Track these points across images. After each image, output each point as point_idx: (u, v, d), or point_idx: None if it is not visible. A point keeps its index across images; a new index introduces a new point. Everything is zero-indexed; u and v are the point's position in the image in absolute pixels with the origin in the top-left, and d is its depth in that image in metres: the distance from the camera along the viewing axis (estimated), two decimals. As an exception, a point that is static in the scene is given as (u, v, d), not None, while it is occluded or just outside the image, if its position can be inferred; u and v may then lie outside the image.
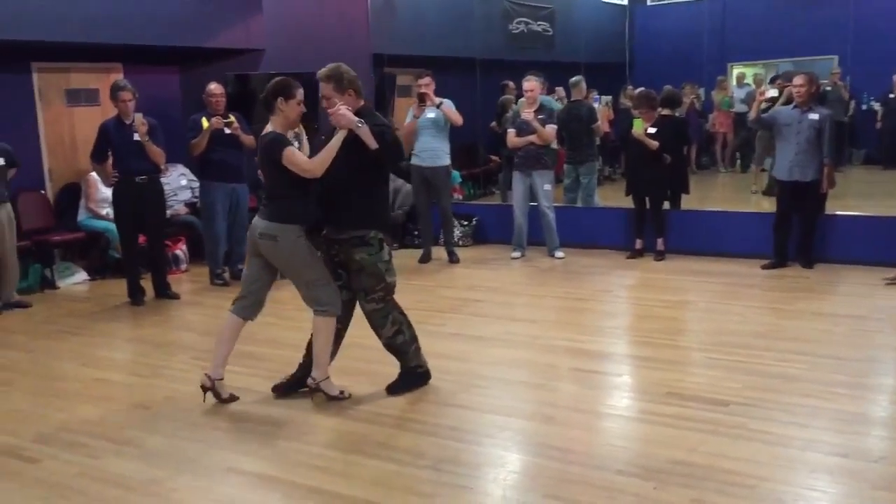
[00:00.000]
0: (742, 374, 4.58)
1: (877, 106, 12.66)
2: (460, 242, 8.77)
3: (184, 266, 8.24)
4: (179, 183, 8.68)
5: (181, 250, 8.26)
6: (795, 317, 5.82)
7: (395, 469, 3.55)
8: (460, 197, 10.31)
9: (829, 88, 10.70)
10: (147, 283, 7.07)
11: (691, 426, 3.87)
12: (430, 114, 7.88)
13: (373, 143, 4.11)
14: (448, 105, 7.89)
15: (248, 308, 4.46)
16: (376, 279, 4.31)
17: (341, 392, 4.42)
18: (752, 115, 7.56)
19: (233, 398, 4.46)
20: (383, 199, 4.52)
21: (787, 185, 7.22)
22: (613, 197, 9.75)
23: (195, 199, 8.40)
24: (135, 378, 5.08)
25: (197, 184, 7.99)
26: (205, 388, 4.42)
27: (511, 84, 10.87)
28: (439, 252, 8.31)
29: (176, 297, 7.04)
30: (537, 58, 12.94)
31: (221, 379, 4.46)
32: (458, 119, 7.95)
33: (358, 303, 4.46)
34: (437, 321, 5.99)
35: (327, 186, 4.24)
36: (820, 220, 7.35)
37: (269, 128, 4.30)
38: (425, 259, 8.27)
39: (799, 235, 7.31)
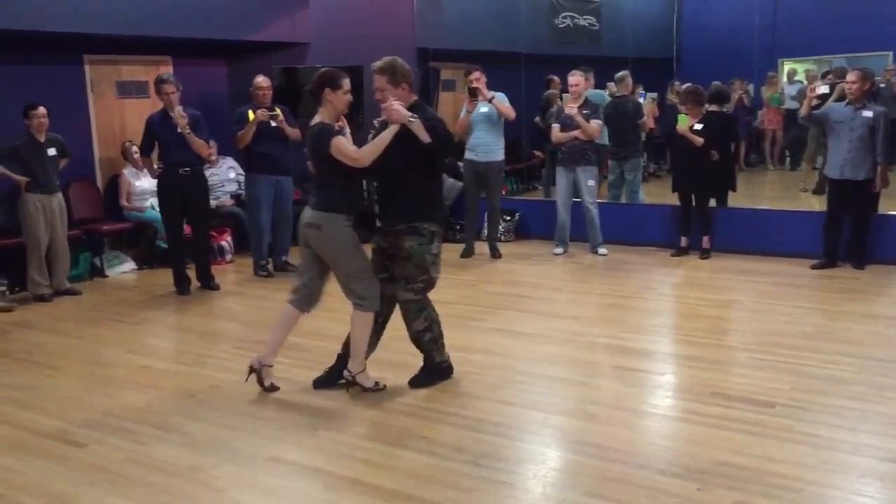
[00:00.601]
0: (789, 375, 4.50)
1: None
2: (502, 238, 8.75)
3: (229, 257, 8.34)
4: (228, 175, 8.79)
5: (226, 241, 8.36)
6: (845, 318, 5.69)
7: (435, 463, 3.55)
8: (503, 192, 10.28)
9: (882, 85, 10.42)
10: (192, 274, 7.17)
11: (736, 427, 3.81)
12: (483, 108, 7.86)
13: (425, 137, 4.12)
14: (501, 99, 7.86)
15: (303, 300, 4.50)
16: (420, 270, 4.33)
17: (377, 383, 4.45)
18: (803, 111, 7.40)
19: (273, 388, 4.51)
20: (437, 192, 4.55)
21: (839, 184, 7.07)
22: (658, 193, 9.64)
23: (241, 192, 8.50)
24: (180, 366, 5.16)
25: (244, 176, 8.08)
26: (252, 370, 4.48)
27: (556, 79, 10.80)
28: (481, 247, 8.30)
29: (216, 287, 7.13)
30: (583, 52, 12.81)
31: (270, 366, 4.52)
32: (510, 113, 7.92)
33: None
34: (480, 316, 5.98)
35: (383, 180, 4.31)
36: (872, 220, 7.18)
37: (316, 118, 4.33)
38: (468, 254, 8.26)
39: (850, 235, 7.15)
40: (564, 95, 7.97)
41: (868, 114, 6.90)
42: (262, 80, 7.45)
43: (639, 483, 3.31)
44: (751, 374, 4.56)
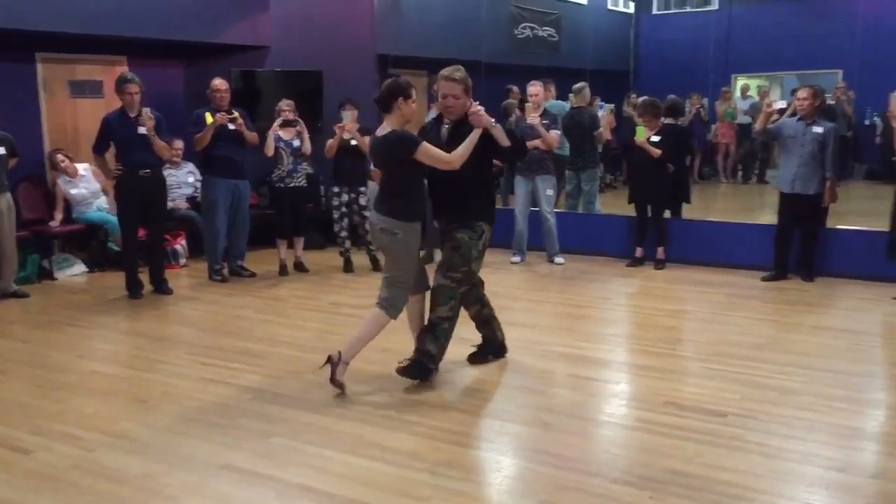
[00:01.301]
0: (740, 385, 4.57)
1: (879, 121, 12.67)
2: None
3: (183, 261, 8.22)
4: (186, 179, 8.67)
5: (180, 245, 8.24)
6: (794, 330, 5.81)
7: (390, 471, 3.53)
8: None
9: (832, 102, 10.69)
10: (145, 277, 7.06)
11: (689, 436, 3.86)
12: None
13: (505, 142, 4.41)
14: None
15: (413, 284, 4.61)
16: (463, 260, 4.54)
17: (342, 387, 4.44)
18: (758, 125, 7.55)
19: (340, 386, 4.46)
20: (493, 194, 4.87)
21: (789, 198, 7.22)
22: (615, 204, 9.74)
23: (197, 194, 8.40)
24: (131, 371, 5.06)
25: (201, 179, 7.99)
26: (330, 360, 4.46)
27: (515, 89, 10.86)
28: (438, 255, 8.28)
29: (169, 292, 7.01)
30: (542, 63, 12.95)
31: (347, 363, 4.49)
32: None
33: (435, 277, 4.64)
34: (436, 323, 5.97)
35: (449, 181, 4.44)
36: (821, 234, 7.35)
37: (386, 127, 4.43)
38: (427, 261, 8.23)
39: (800, 248, 7.31)
40: (527, 105, 7.99)
41: (818, 130, 7.06)
42: (219, 82, 7.38)
43: (593, 491, 3.33)
44: (703, 384, 4.62)
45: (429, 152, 4.33)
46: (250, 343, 5.52)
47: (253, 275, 7.69)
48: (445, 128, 4.57)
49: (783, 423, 4.02)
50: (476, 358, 5.02)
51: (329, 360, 4.44)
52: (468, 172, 4.40)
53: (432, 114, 7.99)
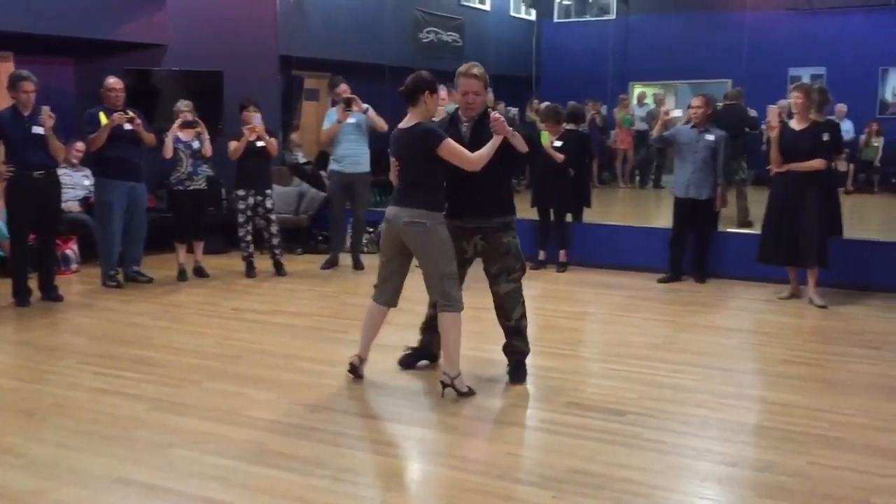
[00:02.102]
0: (638, 384, 4.70)
1: (764, 128, 13.30)
2: (366, 249, 8.71)
3: (74, 266, 7.89)
4: (82, 181, 8.32)
5: (72, 250, 7.91)
6: (688, 329, 6.02)
7: (293, 479, 3.47)
8: (367, 204, 10.25)
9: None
10: (33, 284, 6.73)
11: (590, 436, 3.94)
12: (352, 119, 7.83)
13: (524, 148, 4.44)
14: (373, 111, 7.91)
15: (385, 294, 4.65)
16: (517, 259, 4.62)
17: (469, 388, 4.47)
18: (655, 132, 7.81)
19: (358, 374, 4.66)
20: (512, 188, 4.96)
21: (684, 203, 7.48)
22: (518, 208, 9.83)
23: (89, 195, 8.06)
24: (18, 383, 4.81)
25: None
26: (443, 385, 4.44)
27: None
28: (345, 258, 8.24)
29: (59, 299, 6.71)
30: (447, 67, 12.99)
31: (365, 359, 4.67)
32: (383, 125, 7.95)
33: (491, 287, 4.69)
34: (341, 329, 5.92)
35: (477, 178, 4.39)
36: (713, 237, 7.65)
37: (411, 119, 4.40)
38: (331, 265, 8.18)
39: (693, 251, 7.59)
40: (442, 109, 8.00)
41: (710, 137, 7.35)
42: (113, 81, 7.13)
43: (497, 493, 3.36)
44: (603, 384, 4.73)
45: (453, 149, 4.30)
46: (147, 351, 5.34)
47: (150, 280, 7.45)
48: (466, 125, 4.55)
49: (678, 420, 4.16)
50: (407, 361, 5.00)
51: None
52: (494, 169, 4.40)
53: (333, 114, 7.93)
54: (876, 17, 14.55)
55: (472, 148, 4.38)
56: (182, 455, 3.72)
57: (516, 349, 4.79)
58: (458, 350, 4.49)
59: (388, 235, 4.57)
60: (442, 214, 4.44)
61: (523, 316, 4.74)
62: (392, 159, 4.56)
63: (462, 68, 4.54)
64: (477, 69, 4.51)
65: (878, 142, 14.06)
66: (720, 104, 10.21)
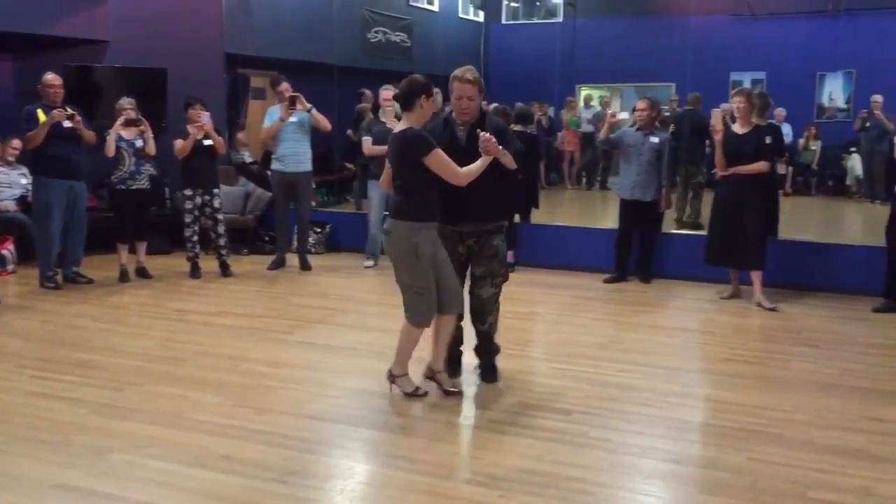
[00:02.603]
0: (585, 383, 4.75)
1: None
2: (312, 250, 8.65)
3: (10, 267, 7.67)
4: (19, 180, 8.07)
5: (8, 250, 7.68)
6: (634, 329, 6.11)
7: (238, 482, 3.43)
8: (314, 203, 10.18)
9: (667, 114, 11.35)
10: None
11: (537, 435, 3.97)
12: (294, 118, 7.76)
13: (512, 166, 4.43)
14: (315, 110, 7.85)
15: (448, 304, 4.43)
16: (501, 264, 4.66)
17: (417, 389, 4.43)
18: (601, 135, 7.90)
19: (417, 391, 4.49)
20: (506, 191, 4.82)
21: (629, 204, 7.58)
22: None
23: (26, 194, 7.84)
24: (-50, 388, 4.66)
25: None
26: (391, 379, 4.45)
27: (368, 92, 10.86)
28: (292, 259, 8.16)
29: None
30: (395, 67, 13.00)
31: (406, 374, 4.51)
32: (326, 124, 7.91)
33: (472, 290, 4.66)
34: (287, 330, 5.87)
35: (474, 184, 4.31)
36: (657, 238, 7.78)
37: (404, 124, 4.31)
38: (278, 265, 8.10)
39: (638, 252, 7.70)
40: (387, 109, 7.97)
41: (655, 139, 7.47)
42: (52, 77, 6.96)
43: (444, 493, 3.36)
44: (550, 384, 4.77)
45: (440, 160, 4.20)
46: (87, 354, 5.21)
47: (90, 281, 7.28)
48: (462, 129, 4.47)
49: (623, 418, 4.22)
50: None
51: (389, 380, 4.47)
52: (491, 174, 4.35)
53: (275, 112, 7.85)
54: (815, 23, 14.94)
55: (469, 152, 4.31)
56: (124, 460, 3.65)
57: (489, 349, 4.83)
58: (408, 355, 4.49)
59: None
60: (432, 224, 4.32)
61: (497, 320, 4.78)
62: (387, 164, 4.52)
63: (457, 72, 4.46)
64: (471, 74, 4.45)
65: (815, 145, 14.45)
66: (665, 107, 10.43)
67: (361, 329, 5.98)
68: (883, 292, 6.60)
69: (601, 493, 3.39)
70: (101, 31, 8.51)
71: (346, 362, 5.15)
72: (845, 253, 7.49)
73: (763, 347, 5.64)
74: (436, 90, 4.56)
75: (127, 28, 8.69)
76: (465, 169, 4.29)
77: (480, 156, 4.31)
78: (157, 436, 3.92)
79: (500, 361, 5.00)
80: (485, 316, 4.72)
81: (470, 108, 4.45)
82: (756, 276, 6.67)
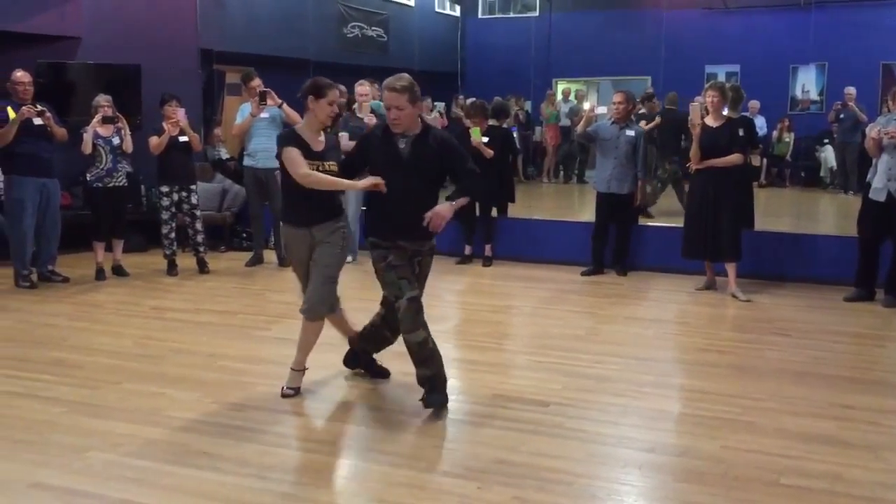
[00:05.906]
0: (562, 375, 4.80)
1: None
2: (290, 246, 8.62)
3: (-16, 267, 7.59)
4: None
5: (-20, 250, 7.61)
6: (610, 321, 6.16)
7: (216, 478, 3.43)
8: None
9: (643, 110, 11.43)
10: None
11: (514, 426, 4.01)
12: (266, 113, 7.72)
13: (462, 203, 4.38)
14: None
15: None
16: (423, 282, 4.55)
17: (297, 389, 4.39)
18: (579, 128, 7.94)
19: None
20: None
21: (605, 197, 7.64)
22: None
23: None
24: (-76, 389, 4.62)
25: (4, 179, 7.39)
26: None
27: (343, 88, 10.81)
28: (269, 255, 8.15)
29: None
30: (371, 63, 12.99)
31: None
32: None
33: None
34: (265, 326, 5.87)
35: (411, 201, 4.14)
36: (633, 231, 7.84)
37: (299, 125, 4.42)
38: (255, 262, 8.08)
39: (615, 244, 7.75)
40: (363, 105, 7.96)
41: (630, 133, 7.52)
42: (21, 74, 6.89)
43: (423, 486, 3.38)
44: (527, 376, 4.81)
45: (289, 157, 4.18)
46: (63, 353, 5.18)
47: (66, 280, 7.23)
48: (404, 141, 4.15)
49: (599, 409, 4.26)
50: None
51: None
52: (425, 194, 4.22)
53: (247, 108, 7.82)
54: (787, 16, 15.11)
55: (412, 166, 4.11)
56: (101, 458, 3.64)
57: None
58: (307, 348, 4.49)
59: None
60: (287, 227, 4.40)
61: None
62: None
63: (386, 81, 4.14)
64: (400, 82, 4.09)
65: (788, 137, 14.61)
66: (647, 108, 10.52)
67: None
68: (854, 281, 6.71)
69: (578, 482, 3.43)
70: (73, 27, 8.43)
71: (324, 357, 5.14)
72: (818, 243, 7.61)
73: (736, 337, 5.71)
74: (338, 89, 4.51)
75: (100, 24, 8.62)
76: (315, 175, 4.17)
77: (423, 171, 4.15)
78: (134, 434, 3.91)
79: (476, 354, 5.02)
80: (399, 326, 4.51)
81: (400, 117, 4.09)
82: (731, 268, 6.74)
